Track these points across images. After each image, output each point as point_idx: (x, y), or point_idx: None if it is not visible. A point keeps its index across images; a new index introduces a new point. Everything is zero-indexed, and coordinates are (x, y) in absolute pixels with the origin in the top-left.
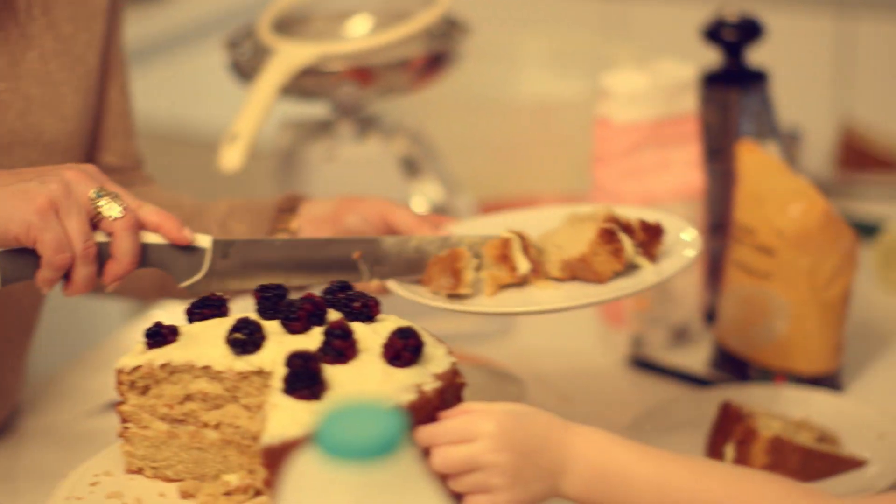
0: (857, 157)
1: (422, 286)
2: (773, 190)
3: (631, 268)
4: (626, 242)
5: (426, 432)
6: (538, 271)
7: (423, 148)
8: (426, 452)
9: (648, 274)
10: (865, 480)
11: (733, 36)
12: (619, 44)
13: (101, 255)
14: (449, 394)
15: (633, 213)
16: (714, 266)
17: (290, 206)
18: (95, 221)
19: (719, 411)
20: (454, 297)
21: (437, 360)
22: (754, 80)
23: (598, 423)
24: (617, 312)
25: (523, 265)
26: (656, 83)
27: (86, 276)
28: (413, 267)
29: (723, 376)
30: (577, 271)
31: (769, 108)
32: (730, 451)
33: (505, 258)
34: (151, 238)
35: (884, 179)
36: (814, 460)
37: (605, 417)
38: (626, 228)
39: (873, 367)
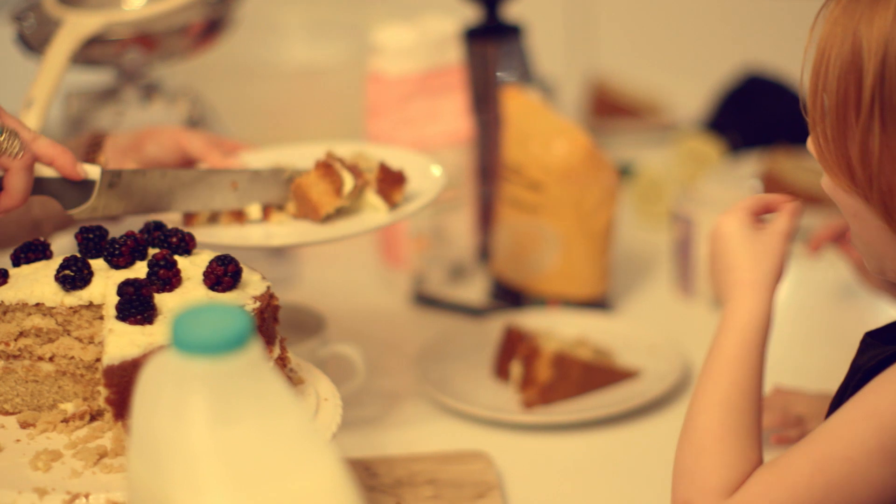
0: (607, 106)
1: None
2: (538, 130)
3: (362, 209)
4: (347, 179)
5: None
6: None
7: (204, 111)
8: None
9: (381, 215)
10: (641, 388)
11: None
12: (379, 7)
13: None
14: (267, 314)
15: (383, 153)
16: (485, 208)
17: (96, 142)
18: None
19: (503, 334)
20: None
21: (253, 284)
22: (511, 33)
23: (388, 356)
24: (397, 253)
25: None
26: (423, 38)
27: None
28: (284, 195)
29: (500, 305)
30: (300, 204)
31: (526, 59)
32: (516, 367)
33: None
34: (44, 171)
35: (631, 127)
36: (593, 372)
37: (395, 349)
38: (352, 168)
39: (638, 290)
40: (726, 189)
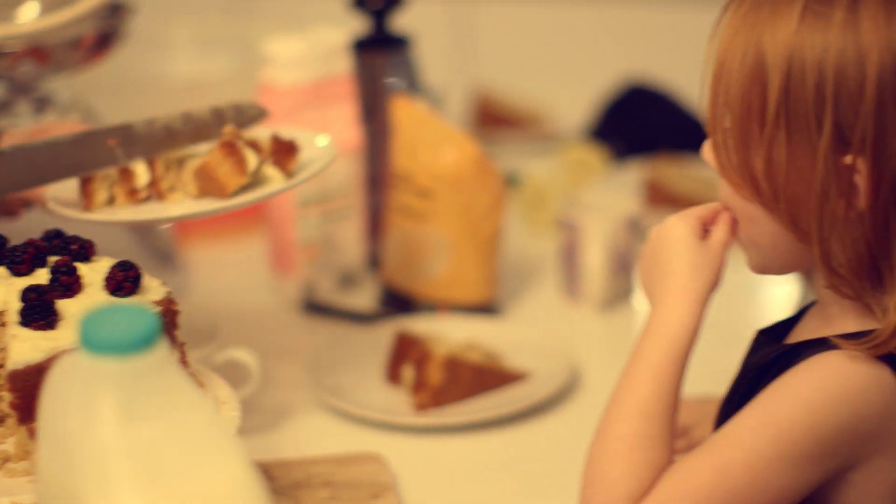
0: (491, 117)
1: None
2: (427, 138)
3: (261, 182)
4: (250, 156)
5: None
6: (159, 186)
7: (96, 124)
8: None
9: (277, 182)
10: (529, 390)
11: (378, 5)
12: (267, 20)
13: None
14: (167, 319)
15: (268, 132)
16: (374, 216)
17: None
18: None
19: (395, 340)
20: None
21: (153, 289)
22: (398, 44)
23: (280, 363)
24: (286, 261)
25: (143, 177)
26: (313, 49)
27: None
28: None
29: (390, 312)
30: (204, 183)
31: (414, 70)
32: (408, 372)
33: (127, 172)
34: None
35: (516, 137)
36: (483, 375)
37: (287, 357)
38: (253, 144)
39: (526, 295)
40: (611, 196)
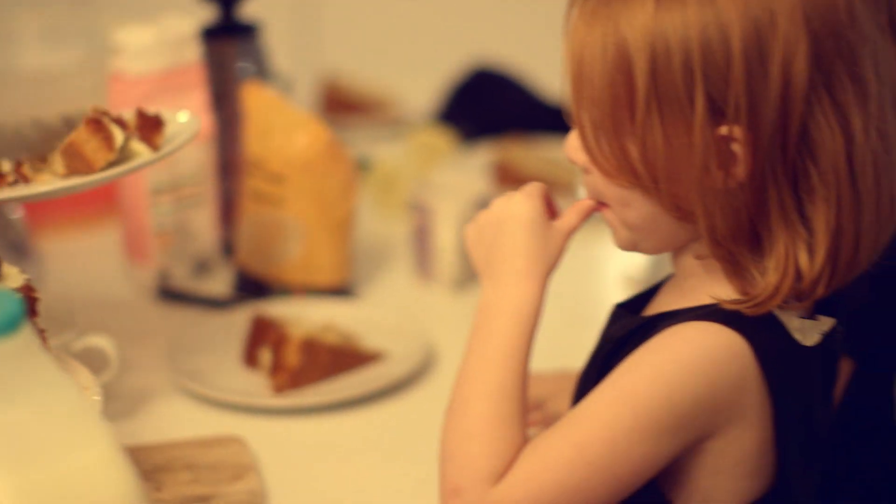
0: (338, 103)
1: None
2: (279, 123)
3: (129, 158)
4: (117, 132)
5: None
6: (22, 170)
7: None
8: None
9: (145, 156)
10: (386, 370)
11: None
12: (114, 9)
13: None
14: (27, 306)
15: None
16: (227, 203)
17: None
18: None
19: (251, 323)
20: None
21: (12, 277)
22: (247, 31)
23: (137, 350)
24: (140, 249)
25: (5, 165)
26: (162, 37)
27: None
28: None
29: (246, 297)
30: (72, 161)
31: (263, 57)
32: (265, 355)
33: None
34: None
35: (363, 122)
36: (341, 356)
37: (144, 343)
38: (119, 121)
39: (379, 277)
40: (462, 178)
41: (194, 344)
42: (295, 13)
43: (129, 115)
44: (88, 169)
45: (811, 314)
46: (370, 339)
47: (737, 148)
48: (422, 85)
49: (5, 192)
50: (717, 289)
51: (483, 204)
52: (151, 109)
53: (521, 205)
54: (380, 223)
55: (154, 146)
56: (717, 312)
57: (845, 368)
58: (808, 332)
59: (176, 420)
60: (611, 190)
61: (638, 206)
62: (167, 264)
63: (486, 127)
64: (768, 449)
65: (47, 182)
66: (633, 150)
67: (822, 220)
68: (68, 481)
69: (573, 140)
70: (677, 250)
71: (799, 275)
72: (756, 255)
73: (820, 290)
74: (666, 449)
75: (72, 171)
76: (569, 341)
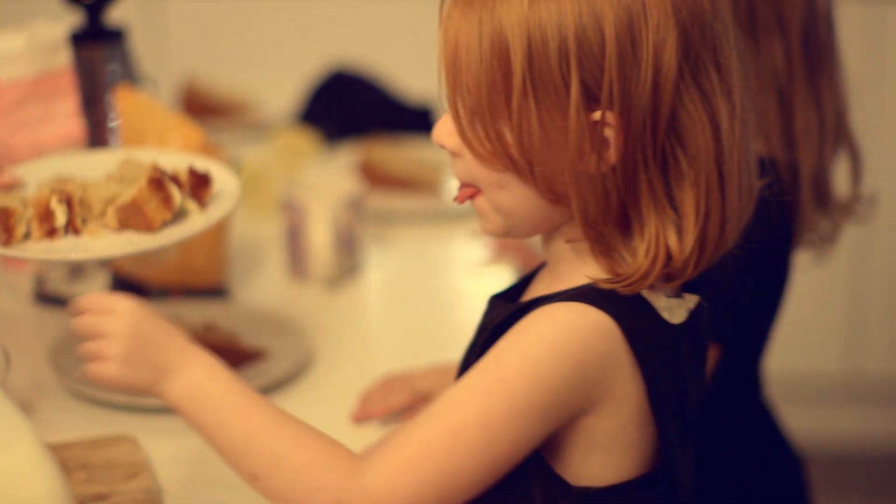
0: (198, 107)
1: None
2: (152, 126)
3: (180, 214)
4: (175, 193)
5: (81, 299)
6: (75, 223)
7: None
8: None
9: (197, 219)
10: (270, 367)
11: None
12: None
13: None
14: None
15: (181, 161)
16: None
17: None
18: None
19: None
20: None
21: None
22: (114, 37)
23: (19, 355)
24: None
25: (61, 218)
26: (32, 43)
27: None
28: None
29: None
30: (129, 218)
31: (130, 61)
32: None
33: (46, 213)
34: None
35: (225, 125)
36: (225, 354)
37: (25, 349)
38: (175, 179)
39: (253, 277)
40: (332, 177)
41: (71, 348)
42: (141, 14)
43: (181, 168)
44: (147, 227)
45: (678, 293)
46: (250, 339)
47: (609, 133)
48: (278, 87)
49: (67, 251)
50: (590, 271)
51: (354, 203)
52: (201, 166)
53: (117, 317)
54: (249, 224)
55: (202, 203)
56: (585, 294)
57: (712, 354)
58: (675, 310)
59: (66, 422)
60: (484, 174)
61: (512, 189)
62: (43, 269)
63: (347, 128)
64: (642, 423)
65: (105, 241)
66: (509, 135)
67: (690, 203)
68: None
69: (445, 125)
70: (548, 235)
71: (669, 255)
72: (626, 237)
73: (689, 271)
74: (539, 428)
75: (126, 226)
76: (434, 336)
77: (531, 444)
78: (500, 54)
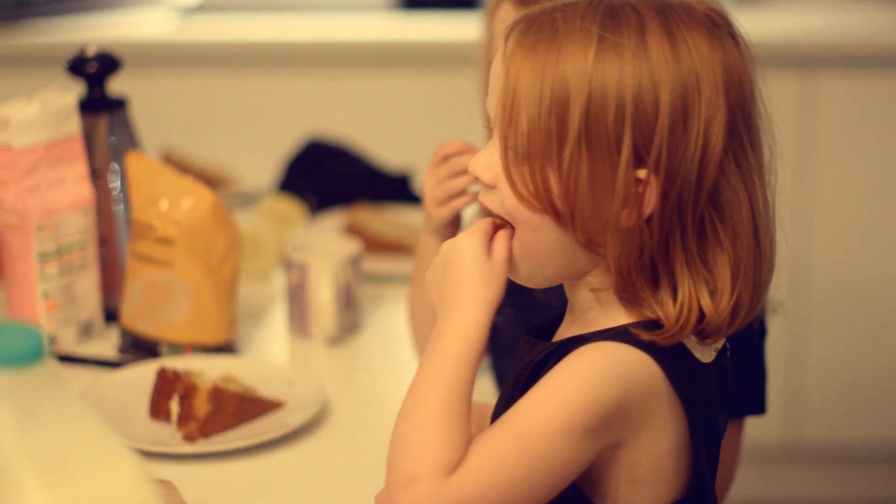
0: None
1: None
2: (164, 189)
3: None
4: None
5: None
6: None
7: None
8: None
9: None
10: (286, 417)
11: (94, 68)
12: None
13: None
14: None
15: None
16: (105, 269)
17: None
18: None
19: (157, 377)
20: None
21: None
22: (117, 106)
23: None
24: (27, 314)
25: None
26: (45, 110)
27: None
28: None
29: (135, 357)
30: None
31: (132, 128)
32: (174, 406)
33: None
34: None
35: None
36: (246, 404)
37: None
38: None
39: (257, 336)
40: (328, 236)
41: (94, 403)
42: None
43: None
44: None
45: None
46: (268, 391)
47: (649, 192)
48: (254, 163)
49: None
50: (618, 318)
51: (354, 262)
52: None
53: (464, 242)
54: (248, 285)
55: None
56: (624, 333)
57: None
58: (705, 350)
59: None
60: (521, 212)
61: (546, 232)
62: (55, 329)
63: (328, 197)
64: (677, 456)
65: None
66: (554, 181)
67: (725, 267)
68: (102, 497)
69: (485, 158)
70: (572, 285)
71: (702, 314)
72: (654, 290)
73: (722, 332)
74: (589, 448)
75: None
76: None
77: (581, 464)
78: (560, 105)
